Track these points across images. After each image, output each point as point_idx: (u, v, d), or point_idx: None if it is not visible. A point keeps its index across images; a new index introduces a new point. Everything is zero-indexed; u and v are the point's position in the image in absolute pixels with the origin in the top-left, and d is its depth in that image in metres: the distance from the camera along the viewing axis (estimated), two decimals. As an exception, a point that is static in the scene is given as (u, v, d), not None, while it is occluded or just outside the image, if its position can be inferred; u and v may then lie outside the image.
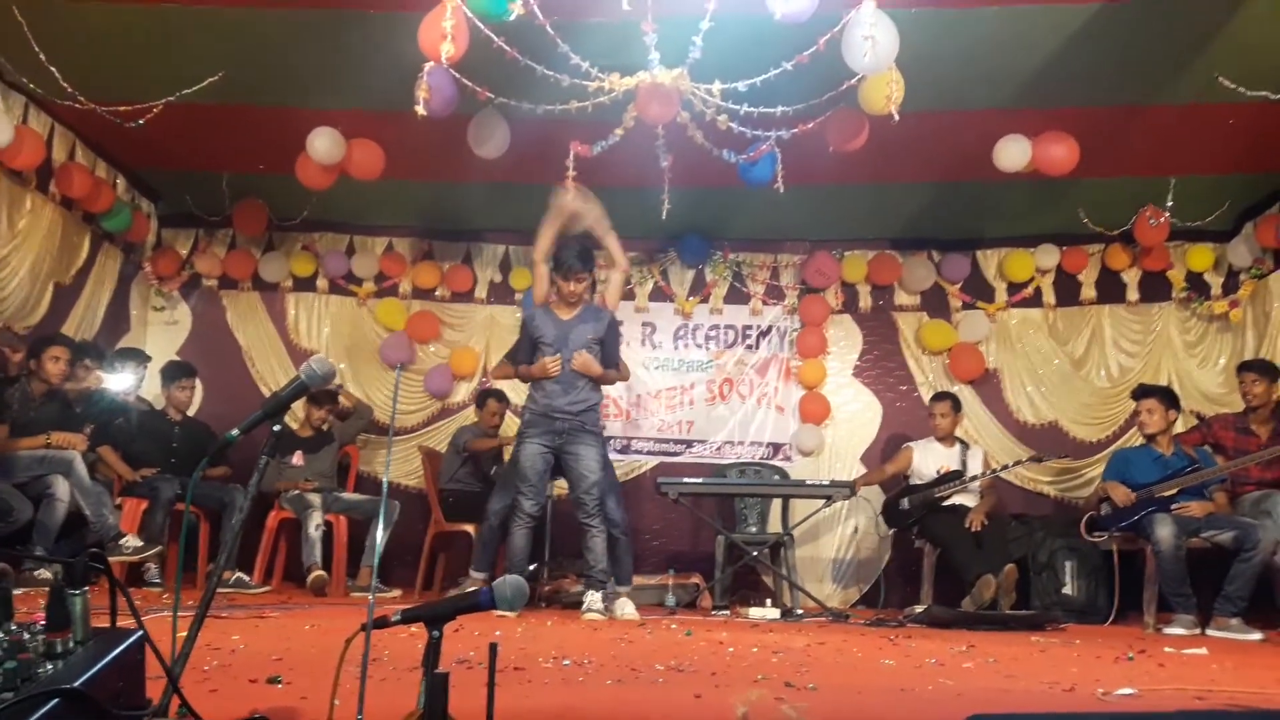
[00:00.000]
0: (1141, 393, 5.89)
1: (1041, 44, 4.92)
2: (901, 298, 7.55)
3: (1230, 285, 7.01)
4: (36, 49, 4.83)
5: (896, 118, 4.59)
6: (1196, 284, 7.11)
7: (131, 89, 5.31)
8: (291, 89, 5.54)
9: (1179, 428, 6.05)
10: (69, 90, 5.15)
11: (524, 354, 5.34)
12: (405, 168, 6.22)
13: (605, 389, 5.69)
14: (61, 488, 5.20)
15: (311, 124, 5.66)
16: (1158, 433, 5.73)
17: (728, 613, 5.75)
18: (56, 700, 1.21)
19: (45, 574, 4.96)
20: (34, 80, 5.20)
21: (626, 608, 5.07)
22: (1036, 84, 5.24)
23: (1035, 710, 2.35)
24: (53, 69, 4.98)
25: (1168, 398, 5.82)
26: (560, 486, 6.05)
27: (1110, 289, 7.29)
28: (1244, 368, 5.99)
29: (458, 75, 4.58)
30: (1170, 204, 6.50)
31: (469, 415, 7.40)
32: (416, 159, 6.18)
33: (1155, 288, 7.21)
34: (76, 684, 1.27)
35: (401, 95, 4.71)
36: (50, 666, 1.33)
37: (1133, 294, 7.23)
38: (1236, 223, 6.87)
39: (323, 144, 5.68)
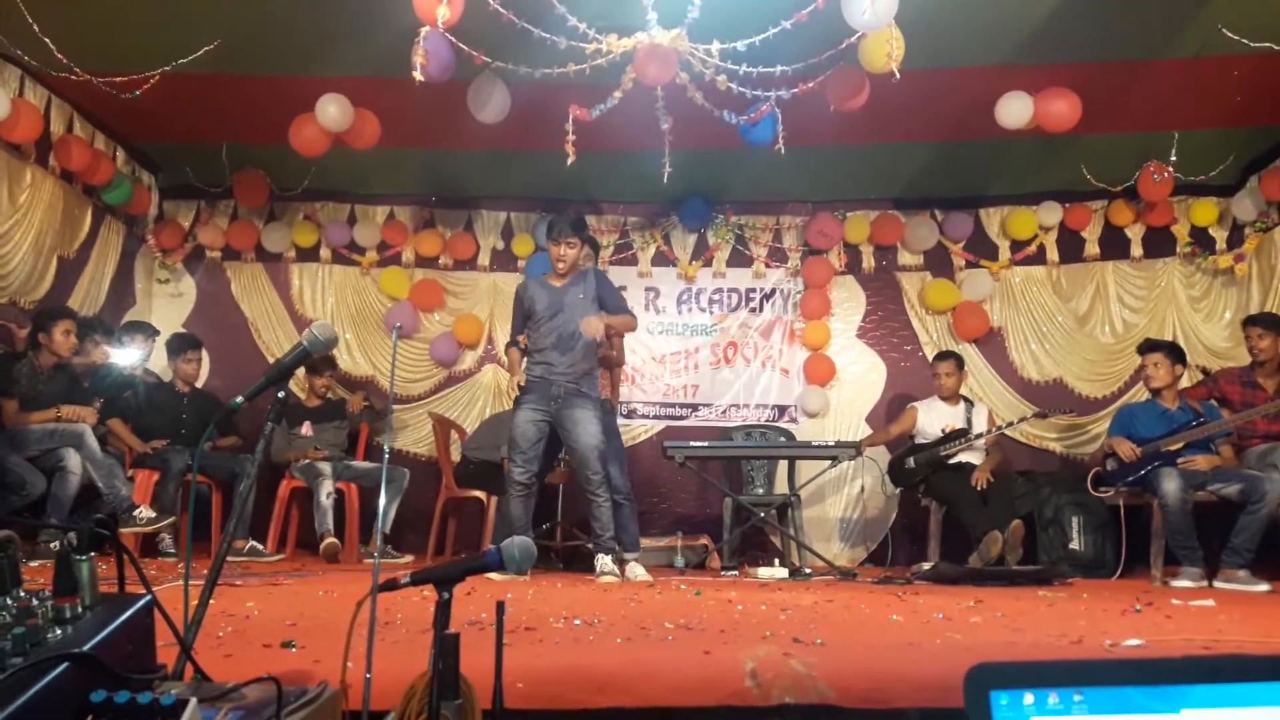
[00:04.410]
0: (1147, 347, 5.88)
1: (1043, -2, 4.88)
2: (904, 257, 7.53)
3: (1235, 239, 6.98)
4: (30, 20, 4.80)
5: (897, 76, 4.54)
6: (1201, 239, 7.08)
7: (127, 59, 5.28)
8: (287, 57, 5.50)
9: (1184, 382, 6.04)
10: (64, 62, 5.12)
11: (515, 328, 5.34)
12: (404, 135, 6.19)
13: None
14: (73, 461, 5.23)
15: (309, 92, 5.62)
16: (1163, 387, 5.73)
17: (736, 573, 5.78)
18: (66, 664, 1.22)
19: (58, 545, 5.00)
20: (28, 52, 5.16)
21: (636, 570, 5.10)
22: (1038, 40, 5.19)
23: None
24: (47, 40, 4.95)
25: (1174, 352, 5.82)
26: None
27: (1114, 245, 7.26)
28: (1249, 322, 5.97)
29: (454, 40, 4.55)
30: (1174, 159, 6.46)
31: (477, 381, 7.44)
32: (415, 126, 6.15)
33: (1159, 243, 7.18)
34: (85, 648, 1.28)
35: (398, 61, 4.67)
36: (59, 632, 1.34)
37: (1136, 250, 7.20)
38: (1241, 176, 6.83)
39: (334, 110, 5.64)
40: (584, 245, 5.30)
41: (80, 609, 1.42)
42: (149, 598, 1.51)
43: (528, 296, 5.27)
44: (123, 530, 5.17)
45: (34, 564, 4.62)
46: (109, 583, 1.55)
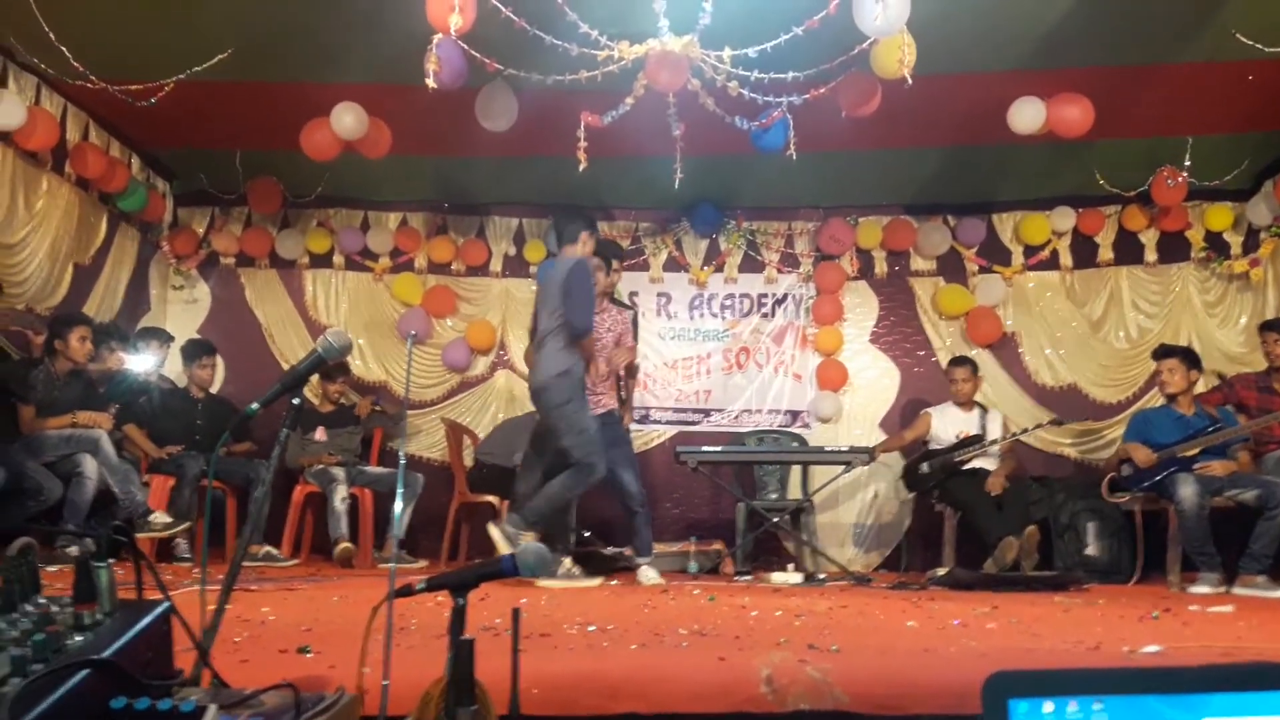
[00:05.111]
0: (1162, 353, 5.85)
1: (1055, 3, 4.86)
2: (917, 263, 7.51)
3: (1250, 244, 6.95)
4: (46, 29, 4.83)
5: (909, 81, 4.54)
6: (1216, 243, 7.05)
7: (142, 68, 5.32)
8: (301, 65, 5.53)
9: (1200, 388, 6.01)
10: (80, 70, 5.16)
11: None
12: (416, 142, 6.21)
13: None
14: (90, 466, 5.27)
15: (322, 99, 5.65)
16: (1179, 393, 5.69)
17: (750, 578, 5.77)
18: (86, 671, 1.22)
19: (76, 551, 5.02)
20: (45, 60, 5.20)
21: (649, 574, 5.10)
22: (1050, 44, 5.18)
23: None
24: (63, 48, 4.98)
25: (1189, 358, 5.78)
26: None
27: (1128, 250, 7.23)
28: (1266, 327, 5.95)
29: (466, 47, 4.56)
30: (1188, 163, 6.44)
31: (490, 387, 7.46)
32: (427, 132, 6.17)
33: (1173, 248, 7.15)
34: (105, 655, 1.29)
35: (411, 69, 4.69)
36: (79, 638, 1.34)
37: (1151, 255, 7.17)
38: (1256, 181, 6.79)
39: (349, 119, 5.66)
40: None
41: (99, 615, 1.42)
42: (167, 604, 1.51)
43: None
44: (138, 535, 5.20)
45: (51, 569, 4.64)
46: (126, 588, 1.55)
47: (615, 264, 5.70)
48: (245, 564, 5.38)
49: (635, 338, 5.88)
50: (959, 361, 6.55)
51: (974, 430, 6.27)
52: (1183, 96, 5.74)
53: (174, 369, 6.67)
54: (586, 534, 6.00)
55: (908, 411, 7.24)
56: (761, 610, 3.64)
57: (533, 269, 7.52)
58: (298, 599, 3.88)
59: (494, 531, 4.84)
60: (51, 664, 1.24)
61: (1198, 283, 7.10)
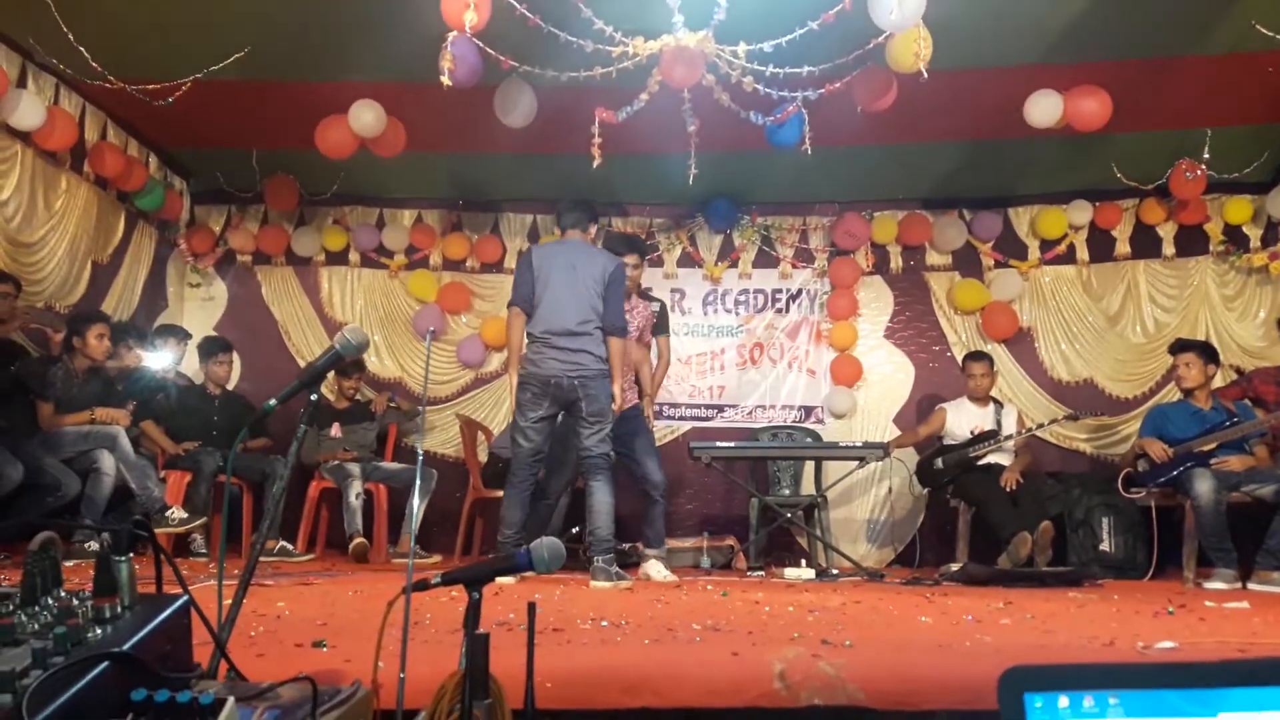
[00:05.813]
0: (1179, 347, 5.82)
1: (1072, -5, 4.84)
2: (933, 258, 7.48)
3: (1270, 237, 6.90)
4: (65, 29, 4.86)
5: (925, 75, 4.52)
6: (1234, 237, 6.99)
7: (160, 67, 5.34)
8: (317, 64, 5.55)
9: (1218, 382, 5.97)
10: (99, 70, 5.19)
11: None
12: (431, 139, 6.23)
13: None
14: (107, 462, 5.30)
15: (338, 97, 5.67)
16: (1196, 387, 5.67)
17: (763, 574, 5.77)
18: (106, 663, 1.24)
19: (94, 546, 5.06)
20: (64, 61, 5.24)
21: (657, 568, 5.09)
22: (1067, 37, 5.15)
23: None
24: (81, 49, 5.01)
25: (1206, 352, 5.75)
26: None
27: (1145, 244, 7.18)
28: (1285, 320, 5.90)
29: (481, 44, 4.57)
30: (1206, 156, 6.39)
31: (504, 383, 7.44)
32: (442, 130, 6.19)
33: (1191, 241, 7.10)
34: (125, 648, 1.30)
35: (426, 67, 4.70)
36: (99, 631, 1.35)
37: (1168, 248, 7.12)
38: (1275, 173, 6.74)
39: (368, 117, 5.68)
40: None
41: (120, 609, 1.44)
42: (186, 598, 1.53)
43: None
44: (155, 530, 5.22)
45: (69, 563, 4.69)
46: (145, 582, 1.57)
47: (638, 259, 5.72)
48: (260, 559, 5.42)
49: (665, 331, 5.93)
50: (976, 356, 6.53)
51: (989, 425, 6.25)
52: (1202, 89, 5.70)
53: (191, 366, 6.71)
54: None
55: (923, 407, 7.22)
56: (774, 606, 3.64)
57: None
58: (313, 594, 3.90)
59: (604, 586, 4.57)
60: (72, 656, 1.25)
61: (1216, 276, 7.05)
